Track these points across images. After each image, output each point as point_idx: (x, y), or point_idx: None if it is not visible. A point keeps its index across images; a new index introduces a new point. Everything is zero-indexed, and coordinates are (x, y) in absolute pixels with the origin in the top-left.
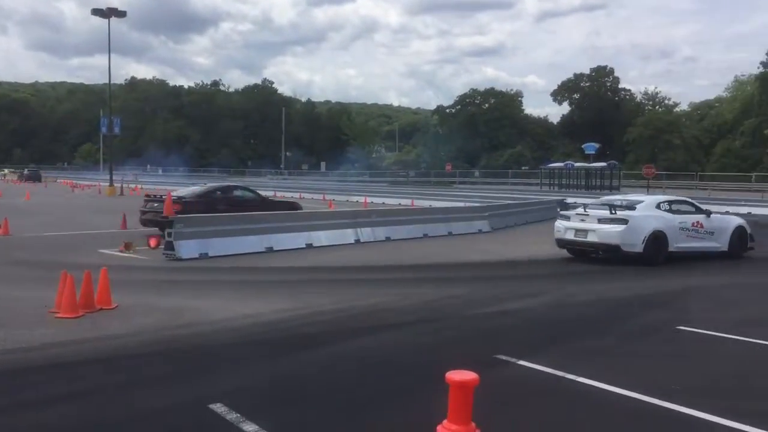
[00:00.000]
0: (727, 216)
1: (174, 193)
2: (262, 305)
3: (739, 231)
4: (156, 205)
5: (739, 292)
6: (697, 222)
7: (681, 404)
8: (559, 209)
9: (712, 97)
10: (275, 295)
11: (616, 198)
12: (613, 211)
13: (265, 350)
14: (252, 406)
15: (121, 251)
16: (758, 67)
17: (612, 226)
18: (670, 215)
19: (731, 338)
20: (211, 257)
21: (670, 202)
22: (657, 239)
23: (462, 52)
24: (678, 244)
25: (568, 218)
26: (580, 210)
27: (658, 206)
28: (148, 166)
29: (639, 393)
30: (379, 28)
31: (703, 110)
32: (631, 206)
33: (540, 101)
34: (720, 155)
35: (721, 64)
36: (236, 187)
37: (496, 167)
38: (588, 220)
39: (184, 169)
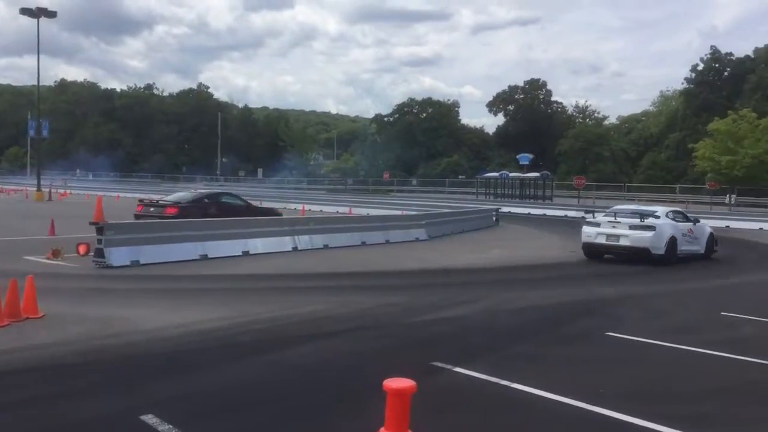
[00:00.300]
0: (703, 224)
1: (166, 199)
2: (196, 314)
3: (712, 236)
4: (152, 209)
5: (668, 300)
6: (690, 229)
7: (608, 408)
8: (586, 217)
9: (639, 111)
10: (209, 304)
11: (628, 208)
12: (643, 220)
13: (199, 360)
14: (185, 417)
15: (48, 258)
16: (682, 83)
17: (642, 232)
18: (676, 223)
19: (658, 344)
20: (143, 265)
21: (674, 212)
22: (672, 243)
23: (400, 62)
24: (681, 247)
25: (598, 225)
26: (611, 218)
27: (667, 215)
28: (78, 171)
29: (569, 398)
30: (318, 36)
31: (630, 123)
32: (653, 215)
33: (476, 112)
34: (646, 167)
35: (647, 80)
36: (225, 194)
37: (433, 176)
38: (619, 227)
39: (115, 174)
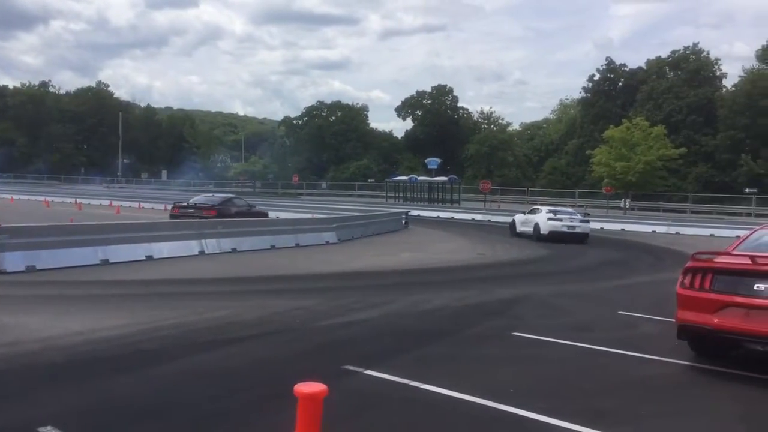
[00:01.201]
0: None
1: (190, 201)
2: (96, 321)
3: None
4: (191, 211)
5: (569, 300)
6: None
7: (515, 406)
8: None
9: (540, 118)
10: (111, 310)
11: (563, 209)
12: (585, 216)
13: (100, 369)
14: (85, 428)
15: None
16: (580, 92)
17: (586, 224)
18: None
19: (560, 342)
20: (40, 270)
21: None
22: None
23: (308, 65)
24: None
25: (560, 220)
26: (561, 216)
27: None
28: None
29: (478, 397)
30: (224, 36)
31: (532, 130)
32: (579, 213)
33: (385, 116)
34: (548, 172)
35: (548, 88)
36: (235, 198)
37: (343, 179)
38: (572, 221)
39: (7, 174)
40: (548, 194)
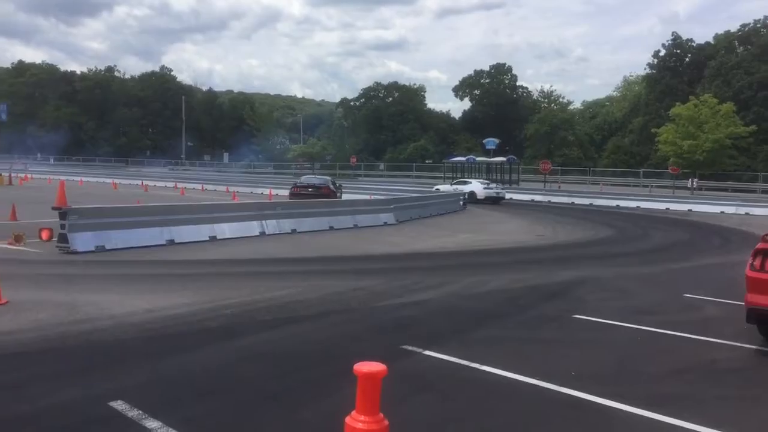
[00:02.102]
0: (478, 183)
1: (303, 180)
2: (164, 299)
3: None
4: (310, 190)
5: (631, 282)
6: (487, 186)
7: (576, 389)
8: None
9: (603, 96)
10: (178, 289)
11: (477, 180)
12: (502, 186)
13: (167, 345)
14: (154, 403)
15: (10, 244)
16: (645, 68)
17: (503, 192)
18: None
19: (623, 325)
20: (109, 250)
21: (480, 181)
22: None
23: (365, 46)
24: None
25: (491, 189)
26: (491, 186)
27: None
28: (39, 155)
29: (538, 379)
30: (282, 18)
31: (595, 109)
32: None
33: (442, 96)
34: (611, 152)
35: (611, 65)
36: (331, 179)
37: (400, 160)
38: (497, 189)
39: (76, 158)
40: (611, 174)
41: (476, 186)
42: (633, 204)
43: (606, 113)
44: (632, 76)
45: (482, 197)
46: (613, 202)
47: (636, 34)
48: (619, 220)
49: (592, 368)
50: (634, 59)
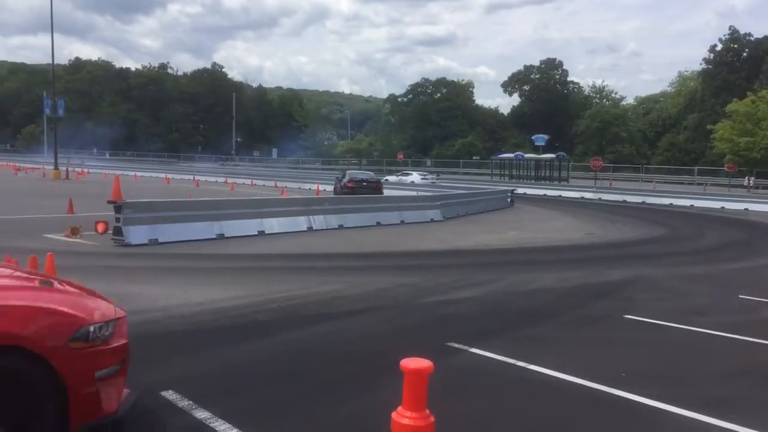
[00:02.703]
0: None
1: (358, 175)
2: (214, 292)
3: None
4: (365, 184)
5: (684, 282)
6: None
7: (626, 391)
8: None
9: (657, 91)
10: (227, 283)
11: (422, 173)
12: (434, 177)
13: (217, 337)
14: (204, 393)
15: (67, 236)
16: (701, 63)
17: (433, 180)
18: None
19: (675, 327)
20: (161, 243)
21: (419, 173)
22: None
23: (413, 41)
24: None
25: (426, 178)
26: (426, 176)
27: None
28: (95, 150)
29: (587, 380)
30: (331, 15)
31: (648, 104)
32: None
33: (491, 92)
34: (664, 148)
35: (666, 60)
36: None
37: (447, 157)
38: (431, 179)
39: (131, 153)
40: (665, 172)
41: (415, 177)
42: (687, 202)
43: (660, 109)
44: (687, 71)
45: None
46: (666, 201)
47: (692, 29)
48: (672, 219)
49: (642, 369)
50: (690, 54)
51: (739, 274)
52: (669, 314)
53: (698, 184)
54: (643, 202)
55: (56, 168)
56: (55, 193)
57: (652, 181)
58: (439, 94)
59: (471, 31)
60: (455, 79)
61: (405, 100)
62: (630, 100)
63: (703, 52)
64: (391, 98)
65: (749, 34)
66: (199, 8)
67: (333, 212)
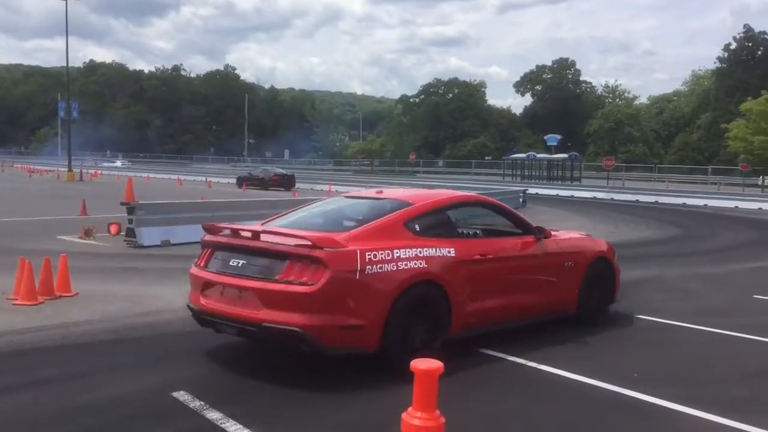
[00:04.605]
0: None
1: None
2: None
3: None
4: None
5: (697, 282)
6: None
7: (639, 392)
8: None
9: (670, 90)
10: None
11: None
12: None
13: (229, 339)
14: (215, 394)
15: (80, 238)
16: (715, 62)
17: None
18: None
19: (689, 327)
20: (174, 245)
21: None
22: None
23: (425, 42)
24: None
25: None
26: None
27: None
28: (109, 152)
29: (600, 381)
30: (343, 16)
31: (661, 104)
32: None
33: (503, 92)
34: (678, 148)
35: (679, 59)
36: None
37: (459, 157)
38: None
39: (144, 154)
40: (678, 171)
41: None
42: (700, 202)
43: (673, 108)
44: (701, 70)
45: None
46: (680, 200)
47: (706, 27)
48: (685, 219)
49: (655, 370)
50: (704, 53)
51: (754, 274)
52: (682, 314)
53: (712, 183)
54: (656, 202)
55: (70, 170)
56: (69, 194)
57: (665, 181)
58: (451, 95)
59: (483, 31)
60: (467, 80)
61: (417, 100)
62: (643, 100)
63: (717, 51)
64: (403, 99)
65: (764, 33)
66: (212, 10)
67: None
